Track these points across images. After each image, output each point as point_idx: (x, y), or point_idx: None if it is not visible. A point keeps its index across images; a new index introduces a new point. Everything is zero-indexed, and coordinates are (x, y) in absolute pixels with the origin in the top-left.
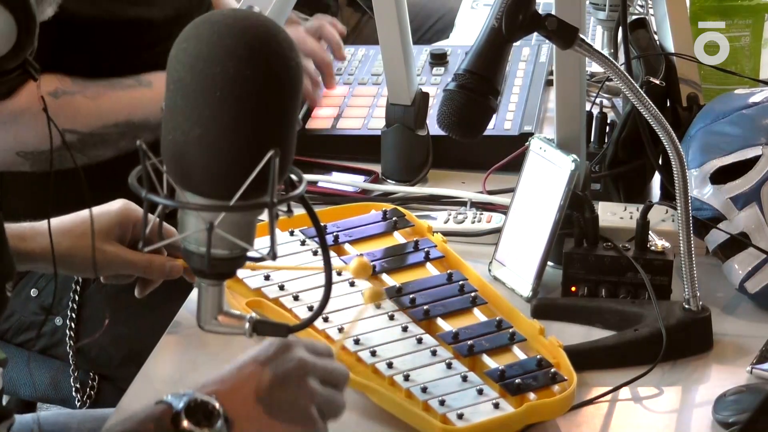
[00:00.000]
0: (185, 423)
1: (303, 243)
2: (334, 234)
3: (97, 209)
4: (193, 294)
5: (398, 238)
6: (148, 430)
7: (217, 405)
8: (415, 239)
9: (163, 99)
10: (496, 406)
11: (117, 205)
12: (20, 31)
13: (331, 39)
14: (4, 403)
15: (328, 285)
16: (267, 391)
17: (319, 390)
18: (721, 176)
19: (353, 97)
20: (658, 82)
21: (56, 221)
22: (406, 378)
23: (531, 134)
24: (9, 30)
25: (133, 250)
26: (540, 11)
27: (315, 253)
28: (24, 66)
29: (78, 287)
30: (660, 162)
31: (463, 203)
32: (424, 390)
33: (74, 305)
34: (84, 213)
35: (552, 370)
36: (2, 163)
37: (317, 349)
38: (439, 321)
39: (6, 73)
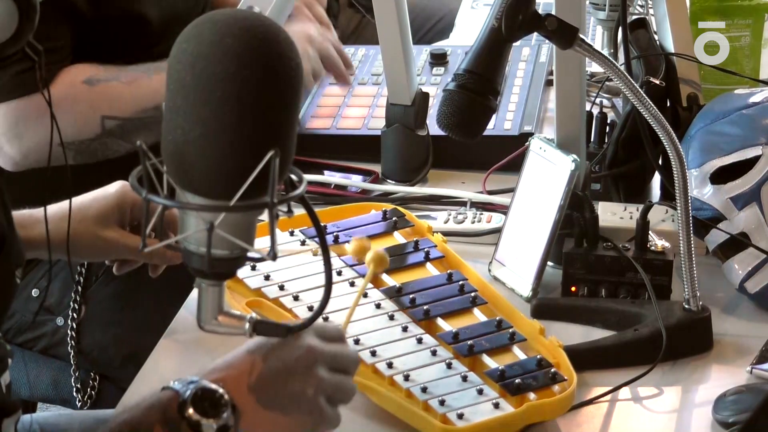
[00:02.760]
0: (191, 412)
1: (303, 243)
2: (334, 234)
3: (93, 193)
4: (193, 294)
5: (398, 238)
6: (154, 417)
7: (225, 395)
8: (415, 239)
9: None
10: (496, 406)
11: (114, 188)
12: (21, 17)
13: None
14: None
15: (328, 285)
16: (273, 380)
17: (327, 378)
18: (721, 176)
19: (353, 97)
20: (658, 82)
21: (55, 207)
22: (406, 378)
23: (531, 134)
24: (11, 16)
25: (134, 234)
26: (540, 11)
27: (315, 253)
28: (23, 50)
29: (79, 287)
30: (660, 162)
31: (463, 203)
32: (424, 390)
33: (75, 305)
34: (81, 198)
35: (552, 370)
36: (45, 158)
37: (327, 333)
38: (439, 321)
39: (5, 58)
